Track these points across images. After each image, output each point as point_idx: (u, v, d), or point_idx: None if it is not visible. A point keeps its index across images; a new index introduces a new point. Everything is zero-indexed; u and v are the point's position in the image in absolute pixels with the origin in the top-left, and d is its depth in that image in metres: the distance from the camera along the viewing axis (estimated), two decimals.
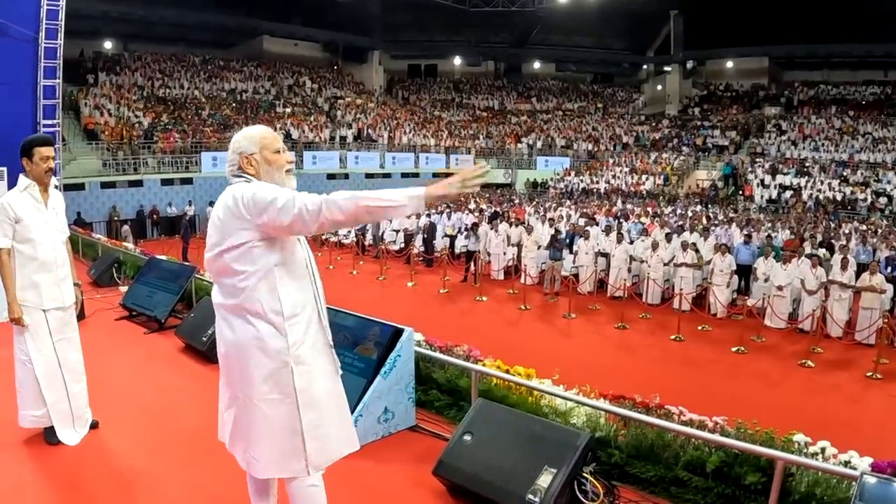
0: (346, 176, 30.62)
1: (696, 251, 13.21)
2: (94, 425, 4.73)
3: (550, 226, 16.52)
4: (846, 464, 3.42)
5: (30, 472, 4.15)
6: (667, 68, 43.03)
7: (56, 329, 4.44)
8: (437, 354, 4.82)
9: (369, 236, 19.75)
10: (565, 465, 3.33)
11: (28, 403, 4.44)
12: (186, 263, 9.34)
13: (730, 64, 41.38)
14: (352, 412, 4.19)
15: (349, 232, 20.61)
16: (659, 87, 43.92)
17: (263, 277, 2.60)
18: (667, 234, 14.45)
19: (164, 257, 9.89)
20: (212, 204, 23.41)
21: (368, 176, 31.34)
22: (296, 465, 2.70)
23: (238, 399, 2.72)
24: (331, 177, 29.96)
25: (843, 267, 11.30)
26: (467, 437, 3.71)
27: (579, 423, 4.08)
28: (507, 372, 4.45)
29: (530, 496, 3.23)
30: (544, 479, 3.26)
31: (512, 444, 3.59)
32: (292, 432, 2.67)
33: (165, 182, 25.27)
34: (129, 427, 4.86)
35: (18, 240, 4.28)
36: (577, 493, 3.34)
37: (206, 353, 6.40)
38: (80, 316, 4.75)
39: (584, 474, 3.37)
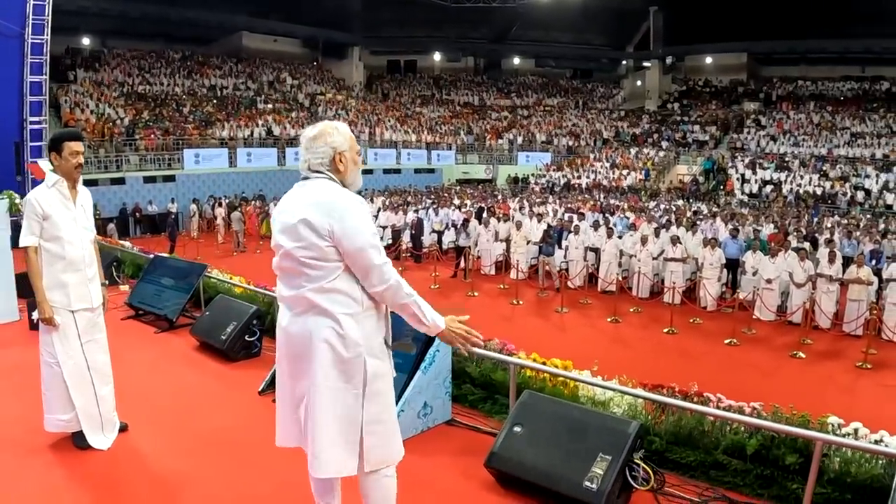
0: None
1: (681, 244, 13.43)
2: (123, 428, 4.62)
3: (539, 221, 16.68)
4: (877, 442, 3.62)
5: (62, 478, 4.05)
6: (646, 64, 43.57)
7: (84, 330, 4.31)
8: (475, 349, 4.91)
9: None
10: (619, 451, 3.47)
11: (55, 407, 4.31)
12: (195, 262, 9.29)
13: (709, 60, 41.90)
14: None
15: None
16: (638, 83, 44.40)
17: (345, 269, 2.67)
18: (655, 229, 14.66)
19: (166, 255, 9.87)
20: (195, 201, 23.49)
21: None
22: (351, 462, 2.72)
23: (309, 390, 2.71)
24: None
25: (831, 260, 11.57)
26: (518, 429, 3.82)
27: (619, 412, 4.24)
28: (544, 364, 4.57)
29: (587, 483, 3.36)
30: (600, 466, 3.40)
31: (563, 433, 3.71)
32: (352, 424, 2.70)
33: (148, 180, 25.03)
34: (159, 429, 4.79)
35: (46, 237, 4.14)
36: (629, 478, 3.49)
37: (225, 352, 6.41)
38: None
39: (636, 460, 3.52)
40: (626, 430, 3.60)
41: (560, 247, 15.02)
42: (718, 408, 3.98)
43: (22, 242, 4.17)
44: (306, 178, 2.78)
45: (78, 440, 4.39)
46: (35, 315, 4.27)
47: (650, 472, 3.54)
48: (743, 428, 3.90)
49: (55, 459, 4.27)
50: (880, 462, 3.61)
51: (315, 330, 2.67)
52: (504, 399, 4.72)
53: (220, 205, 22.78)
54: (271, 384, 5.51)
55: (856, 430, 3.71)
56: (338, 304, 2.66)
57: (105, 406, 4.44)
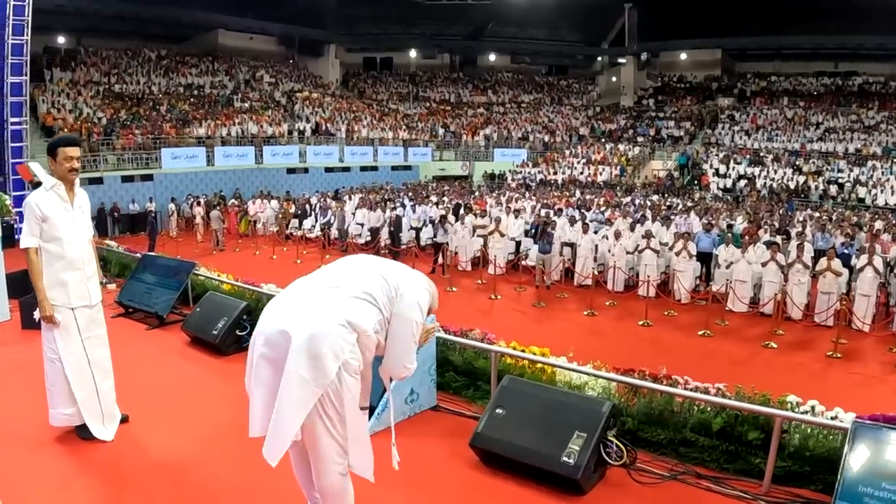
0: (306, 170, 30.47)
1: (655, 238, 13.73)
2: (123, 419, 4.79)
3: (516, 217, 16.93)
4: (833, 419, 3.93)
5: (72, 468, 4.21)
6: (621, 60, 43.85)
7: (84, 327, 4.49)
8: (459, 338, 5.18)
9: (334, 230, 19.73)
10: (594, 429, 3.75)
11: (58, 402, 4.48)
12: (183, 260, 9.39)
13: (683, 56, 42.30)
14: (382, 395, 4.47)
15: (314, 226, 20.67)
16: (613, 79, 44.74)
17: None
18: (631, 224, 14.94)
19: (155, 254, 9.97)
20: (173, 200, 23.47)
21: (328, 170, 31.26)
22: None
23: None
24: (290, 171, 29.73)
25: (800, 251, 11.86)
26: (500, 411, 4.10)
27: (594, 395, 4.51)
28: (524, 352, 4.83)
29: (565, 458, 3.65)
30: (576, 443, 3.68)
31: (542, 413, 3.99)
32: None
33: (126, 179, 24.90)
34: (161, 420, 4.96)
35: (45, 238, 4.32)
36: (603, 454, 3.77)
37: (217, 346, 6.60)
38: None
39: (610, 437, 3.80)
40: (599, 409, 3.89)
41: (535, 242, 15.18)
42: (686, 389, 4.27)
43: (23, 244, 4.34)
44: None
45: (82, 432, 4.57)
46: (36, 314, 4.38)
47: (623, 448, 3.82)
48: (709, 407, 4.21)
49: (63, 451, 4.44)
50: (837, 437, 3.92)
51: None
52: (486, 385, 4.98)
53: (198, 204, 22.79)
54: None
55: (812, 408, 4.02)
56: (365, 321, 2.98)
57: (105, 400, 4.61)
